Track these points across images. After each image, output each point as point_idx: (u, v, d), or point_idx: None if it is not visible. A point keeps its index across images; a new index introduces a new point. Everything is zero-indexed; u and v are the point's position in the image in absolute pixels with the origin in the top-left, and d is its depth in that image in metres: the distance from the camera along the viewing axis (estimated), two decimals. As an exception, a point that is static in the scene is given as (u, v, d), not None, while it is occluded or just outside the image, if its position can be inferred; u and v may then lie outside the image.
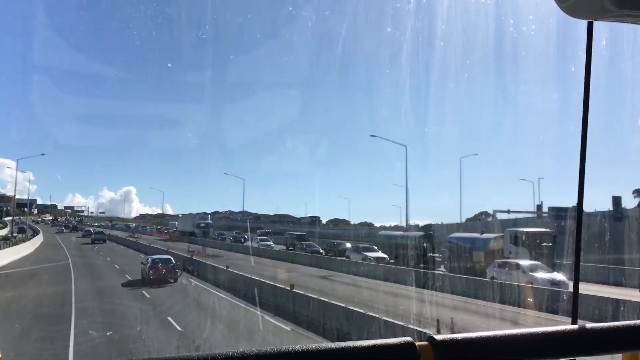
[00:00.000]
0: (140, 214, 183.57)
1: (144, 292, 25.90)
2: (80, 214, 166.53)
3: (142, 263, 31.27)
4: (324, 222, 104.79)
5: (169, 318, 19.00)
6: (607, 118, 45.84)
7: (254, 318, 19.19)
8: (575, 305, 1.93)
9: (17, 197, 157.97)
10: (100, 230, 79.80)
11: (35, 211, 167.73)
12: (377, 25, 64.98)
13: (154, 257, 31.36)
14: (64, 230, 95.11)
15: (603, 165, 47.85)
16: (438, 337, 1.43)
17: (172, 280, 29.24)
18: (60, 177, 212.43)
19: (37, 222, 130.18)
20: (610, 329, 1.60)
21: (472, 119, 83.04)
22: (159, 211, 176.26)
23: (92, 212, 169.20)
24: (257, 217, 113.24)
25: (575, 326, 1.60)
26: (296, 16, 67.41)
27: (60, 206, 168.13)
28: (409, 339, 1.40)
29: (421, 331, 13.99)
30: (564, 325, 1.59)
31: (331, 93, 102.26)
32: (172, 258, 31.72)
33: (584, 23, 1.71)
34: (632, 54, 33.17)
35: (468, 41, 51.04)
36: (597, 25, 1.71)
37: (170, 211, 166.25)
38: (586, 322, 1.84)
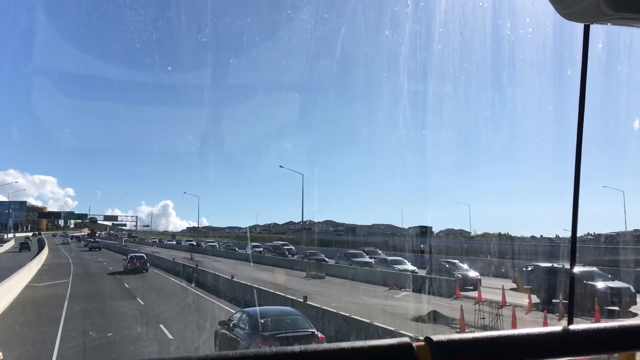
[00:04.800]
0: (187, 227, 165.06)
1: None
2: (122, 227, 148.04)
3: (123, 259, 43.67)
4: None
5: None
6: (603, 120, 46.76)
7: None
8: (571, 306, 1.94)
9: (49, 209, 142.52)
10: (97, 240, 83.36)
11: (72, 225, 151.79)
12: (375, 28, 64.58)
13: (131, 254, 42.76)
14: (70, 242, 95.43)
15: (599, 167, 49.93)
16: (435, 337, 1.43)
17: (144, 271, 38.97)
18: (99, 193, 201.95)
19: (54, 235, 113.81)
20: (606, 329, 1.61)
21: (469, 121, 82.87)
22: (194, 224, 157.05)
23: (134, 226, 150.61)
24: (351, 229, 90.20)
25: (572, 326, 1.60)
26: (295, 19, 66.88)
27: (100, 220, 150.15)
28: (406, 339, 1.40)
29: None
30: (561, 325, 1.60)
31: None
32: (144, 255, 42.79)
33: (580, 26, 1.71)
34: (628, 56, 31.80)
35: (465, 44, 51.29)
36: (594, 28, 1.70)
37: (205, 223, 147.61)
38: (583, 322, 1.80)
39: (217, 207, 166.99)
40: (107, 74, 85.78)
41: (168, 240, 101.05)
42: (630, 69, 36.86)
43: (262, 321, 12.79)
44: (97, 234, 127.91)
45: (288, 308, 15.63)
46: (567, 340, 1.55)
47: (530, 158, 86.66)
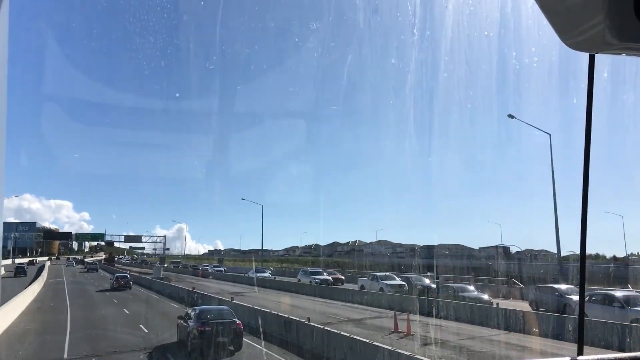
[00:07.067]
0: (208, 250, 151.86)
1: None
2: (141, 251, 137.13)
3: (110, 279, 50.35)
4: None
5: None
6: (609, 149, 46.53)
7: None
8: (581, 335, 1.85)
9: (59, 230, 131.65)
10: (95, 262, 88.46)
11: (87, 248, 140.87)
12: (382, 56, 66.14)
13: (117, 274, 49.59)
14: (74, 264, 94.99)
15: (606, 197, 49.23)
16: None
17: (127, 288, 44.95)
18: (115, 217, 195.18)
19: (68, 259, 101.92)
20: None
21: (474, 150, 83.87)
22: (210, 247, 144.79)
23: (154, 249, 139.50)
24: (428, 248, 77.89)
25: (581, 357, 1.55)
26: (302, 47, 68.33)
27: (118, 242, 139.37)
28: None
29: None
30: (570, 355, 1.56)
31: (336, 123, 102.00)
32: (128, 275, 49.85)
33: (585, 56, 1.69)
34: (633, 86, 32.30)
35: (471, 73, 51.14)
36: (599, 58, 1.69)
37: (220, 247, 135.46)
38: (592, 353, 1.67)
39: (229, 231, 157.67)
40: (116, 100, 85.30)
41: (252, 272, 52.71)
42: (635, 98, 36.15)
43: (202, 314, 19.23)
44: (115, 258, 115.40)
45: (223, 307, 22.13)
46: None
47: (536, 186, 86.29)
